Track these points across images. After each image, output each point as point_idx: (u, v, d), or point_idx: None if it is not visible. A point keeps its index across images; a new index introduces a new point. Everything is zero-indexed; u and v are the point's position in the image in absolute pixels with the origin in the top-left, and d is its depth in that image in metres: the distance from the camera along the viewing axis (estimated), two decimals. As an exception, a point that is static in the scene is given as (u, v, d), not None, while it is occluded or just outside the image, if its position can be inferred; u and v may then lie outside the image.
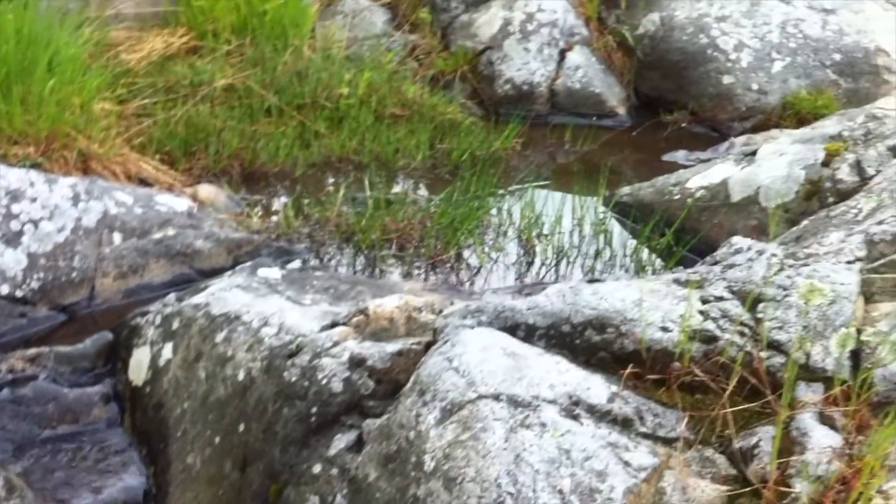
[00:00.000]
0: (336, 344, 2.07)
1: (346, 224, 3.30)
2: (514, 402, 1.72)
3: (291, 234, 3.24)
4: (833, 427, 1.78)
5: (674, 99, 4.71)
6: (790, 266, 2.11)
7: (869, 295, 2.05)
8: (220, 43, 4.40)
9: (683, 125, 4.61)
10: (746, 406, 1.85)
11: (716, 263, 2.34)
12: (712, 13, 4.76)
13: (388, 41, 4.99)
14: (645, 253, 3.29)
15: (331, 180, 3.78)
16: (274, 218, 3.39)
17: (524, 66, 4.67)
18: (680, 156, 4.26)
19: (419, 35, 5.04)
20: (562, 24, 4.83)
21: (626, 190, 3.67)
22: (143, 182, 3.28)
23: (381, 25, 5.14)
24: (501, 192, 3.74)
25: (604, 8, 5.06)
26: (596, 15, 5.03)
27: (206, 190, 3.33)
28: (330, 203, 3.44)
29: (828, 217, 2.57)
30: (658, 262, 3.23)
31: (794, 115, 4.45)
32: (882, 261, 2.14)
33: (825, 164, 3.09)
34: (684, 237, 3.25)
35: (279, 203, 3.57)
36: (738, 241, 2.45)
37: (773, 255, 2.13)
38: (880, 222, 2.29)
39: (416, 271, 3.11)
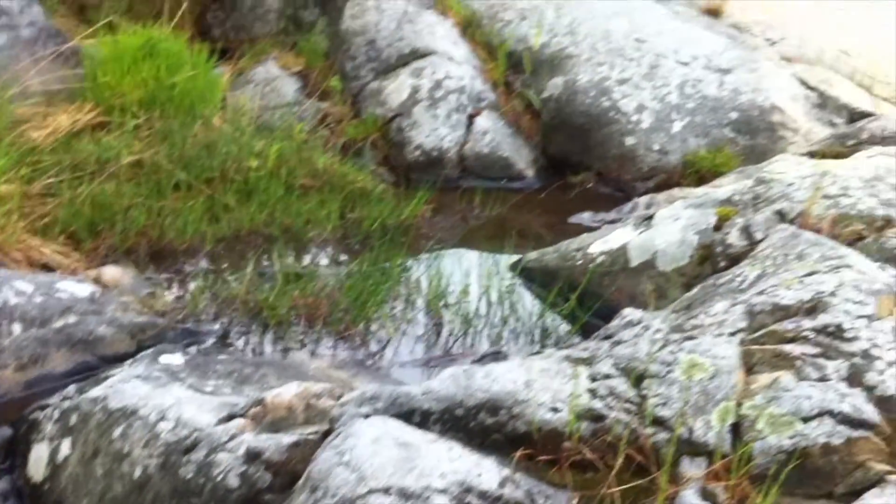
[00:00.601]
0: (233, 437, 2.07)
1: (254, 301, 3.30)
2: (405, 495, 1.75)
3: (198, 314, 3.23)
4: (714, 501, 1.85)
5: (580, 160, 4.83)
6: (674, 341, 2.18)
7: (750, 366, 2.13)
8: (128, 118, 4.38)
9: (590, 185, 4.73)
10: (634, 483, 1.91)
11: (607, 338, 2.41)
12: (613, 76, 4.92)
13: (299, 109, 5.04)
14: (550, 319, 3.35)
15: (240, 255, 3.77)
16: (180, 298, 3.37)
17: (433, 132, 4.75)
18: (586, 217, 4.37)
19: (330, 103, 5.10)
20: (469, 89, 4.94)
21: (532, 255, 3.74)
22: (46, 267, 3.25)
23: (292, 94, 5.20)
24: (411, 260, 3.78)
25: (510, 72, 5.18)
26: (503, 79, 5.16)
27: (111, 272, 3.30)
28: (238, 279, 3.45)
29: (715, 285, 2.66)
30: (562, 328, 3.30)
31: (695, 173, 4.60)
32: (762, 331, 2.23)
33: (717, 228, 3.20)
34: (588, 302, 3.33)
35: (186, 281, 3.56)
36: (630, 312, 2.53)
37: (658, 330, 2.21)
38: (761, 292, 2.38)
39: (324, 348, 3.13)
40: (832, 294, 2.27)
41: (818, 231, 2.94)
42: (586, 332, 3.21)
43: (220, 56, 5.70)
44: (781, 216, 3.05)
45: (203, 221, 3.87)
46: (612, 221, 4.29)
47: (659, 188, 4.54)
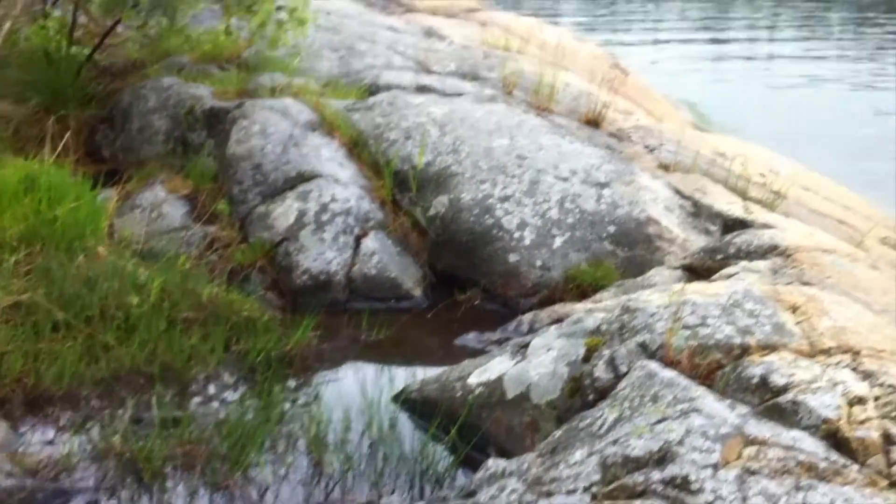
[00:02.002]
0: None
1: (129, 451, 3.25)
2: None
3: (71, 469, 3.16)
4: None
5: (467, 277, 4.92)
6: (528, 502, 2.23)
7: (602, 523, 2.20)
8: (8, 254, 4.32)
9: (476, 303, 4.82)
10: None
11: (470, 494, 2.45)
12: (496, 193, 5.06)
13: (186, 235, 5.04)
14: (432, 454, 3.38)
15: (119, 399, 3.72)
16: (54, 452, 3.30)
17: (320, 256, 4.80)
18: (471, 338, 4.44)
19: (218, 227, 5.12)
20: (356, 210, 5.01)
21: (414, 386, 3.79)
22: None
23: (179, 218, 5.20)
24: (294, 396, 3.78)
25: (397, 191, 5.29)
26: (390, 198, 5.26)
27: (-20, 430, 3.22)
28: (113, 428, 3.40)
29: (578, 428, 2.73)
30: (444, 464, 3.32)
31: (577, 287, 4.73)
32: (614, 485, 2.30)
33: (585, 359, 3.30)
34: (468, 435, 3.37)
35: (62, 432, 3.48)
36: (493, 464, 2.58)
37: (514, 490, 2.26)
38: (615, 441, 2.46)
39: (201, 502, 3.09)
40: (680, 443, 2.36)
41: (678, 363, 3.05)
42: (467, 465, 3.26)
43: (109, 177, 5.72)
44: (644, 348, 3.16)
45: (81, 363, 3.81)
46: (497, 341, 4.38)
47: (542, 304, 4.66)
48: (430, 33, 8.40)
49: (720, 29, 39.04)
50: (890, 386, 2.95)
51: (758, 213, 5.34)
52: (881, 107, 19.89)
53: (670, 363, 3.04)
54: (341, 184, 5.11)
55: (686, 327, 3.19)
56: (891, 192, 12.43)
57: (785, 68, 25.89)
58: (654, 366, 2.94)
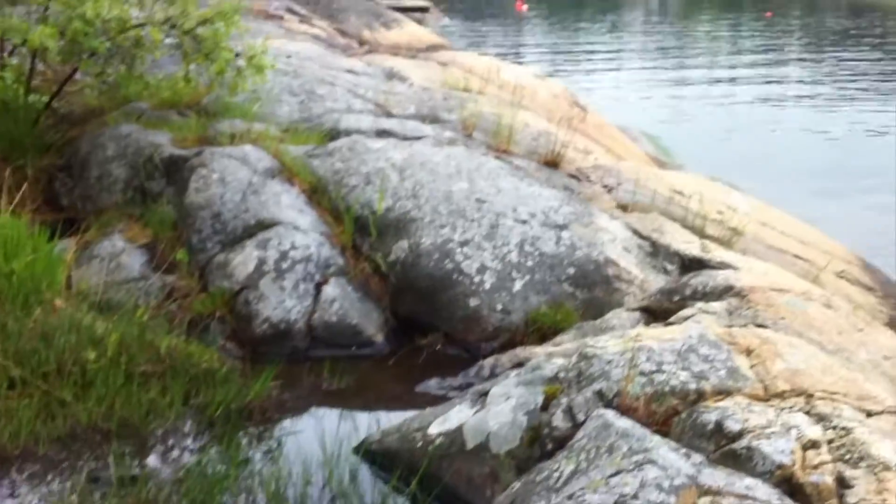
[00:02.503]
0: None
1: (86, 513, 3.21)
2: None
3: (26, 535, 3.11)
4: None
5: (428, 322, 4.93)
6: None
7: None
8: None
9: (438, 348, 4.82)
10: None
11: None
12: (455, 238, 5.09)
13: (145, 285, 5.01)
14: (392, 505, 3.37)
15: (76, 456, 3.67)
16: (8, 516, 3.25)
17: (280, 304, 4.79)
18: (433, 385, 4.44)
19: (177, 276, 5.09)
20: (316, 257, 5.01)
21: (374, 437, 3.78)
22: None
23: (138, 268, 5.16)
24: (254, 450, 3.75)
25: (358, 236, 5.30)
26: (351, 244, 5.26)
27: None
28: (70, 487, 3.35)
29: (535, 482, 2.74)
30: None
31: (537, 331, 4.75)
32: (570, 542, 2.31)
33: (544, 408, 3.31)
34: (429, 486, 3.36)
35: (16, 495, 3.43)
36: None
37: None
38: (571, 496, 2.47)
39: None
40: (635, 496, 2.37)
41: (634, 410, 3.08)
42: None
43: (67, 226, 5.68)
44: (601, 396, 3.18)
45: (38, 421, 3.76)
46: (459, 387, 4.38)
47: (504, 348, 4.67)
48: (390, 75, 8.46)
49: (683, 59, 39.60)
50: (843, 429, 2.99)
51: (715, 252, 5.40)
52: (835, 132, 20.27)
53: (627, 410, 3.07)
54: (301, 231, 5.11)
55: (642, 374, 3.22)
56: (847, 219, 12.64)
57: (745, 98, 26.31)
58: (610, 415, 2.96)
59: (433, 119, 6.98)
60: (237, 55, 6.11)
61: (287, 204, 5.27)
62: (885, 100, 25.77)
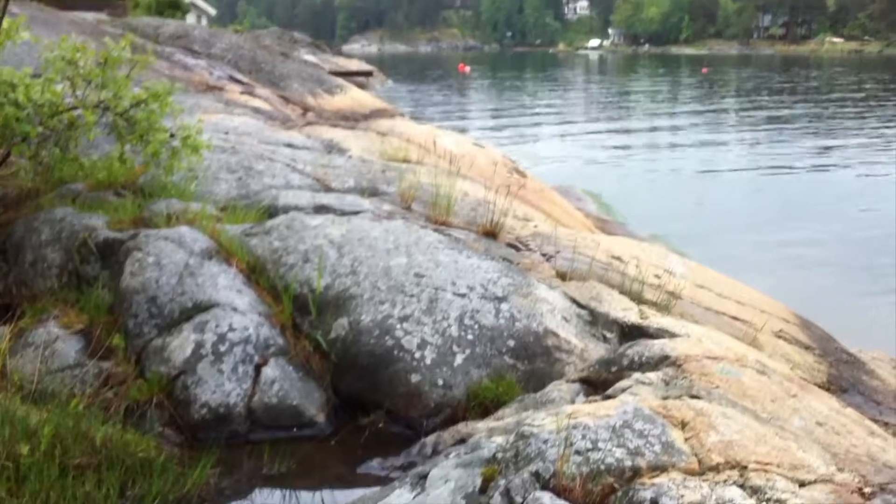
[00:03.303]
0: None
1: None
2: None
3: None
4: None
5: (370, 399, 4.90)
6: None
7: None
8: None
9: (381, 426, 4.78)
10: None
11: None
12: (395, 314, 5.09)
13: (81, 372, 4.92)
14: None
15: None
16: None
17: (219, 388, 4.73)
18: (375, 465, 4.40)
19: (114, 362, 5.00)
20: (255, 338, 4.97)
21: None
22: None
23: (73, 355, 5.07)
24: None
25: (297, 315, 5.27)
26: (290, 323, 5.24)
27: None
28: None
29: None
30: None
31: (479, 405, 4.75)
32: None
33: (482, 490, 3.30)
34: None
35: None
36: None
37: None
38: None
39: None
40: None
41: (571, 491, 3.08)
42: None
43: (2, 313, 5.57)
44: (538, 477, 3.18)
45: (-31, 521, 3.66)
46: (401, 467, 4.35)
47: (446, 423, 4.66)
48: (330, 147, 8.52)
49: (624, 115, 40.52)
50: (777, 501, 3.03)
51: (652, 318, 5.48)
52: (773, 183, 20.79)
53: (563, 491, 3.07)
54: (239, 312, 5.07)
55: (578, 452, 3.23)
56: (787, 272, 12.91)
57: (685, 151, 26.94)
58: (546, 498, 2.96)
59: (372, 192, 7.02)
60: (172, 135, 6.11)
61: (224, 285, 5.24)
62: (823, 150, 26.57)
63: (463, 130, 31.29)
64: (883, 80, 63.57)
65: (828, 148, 27.97)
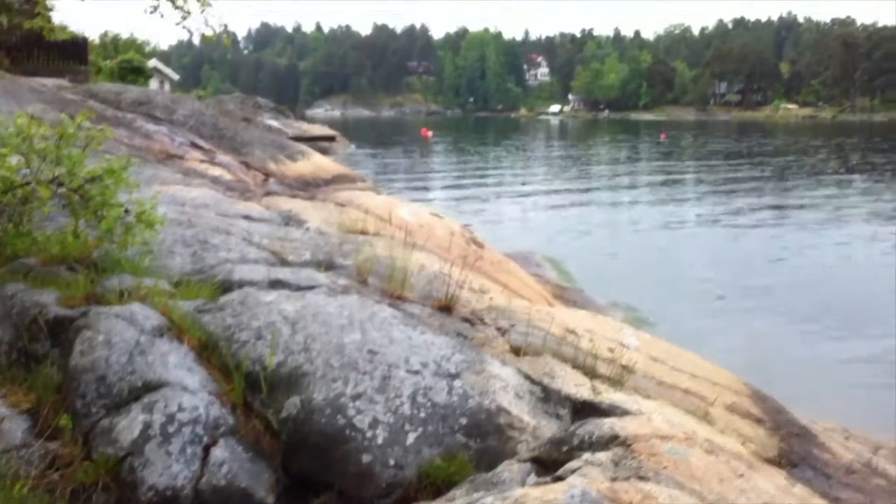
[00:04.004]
0: None
1: None
2: None
3: None
4: None
5: (322, 479, 4.85)
6: None
7: None
8: None
9: (332, 506, 4.74)
10: None
11: None
12: (348, 392, 5.07)
13: (27, 453, 4.83)
14: None
15: None
16: None
17: (166, 470, 4.65)
18: (325, 551, 4.35)
19: (60, 443, 4.91)
20: (204, 418, 4.92)
21: None
22: None
23: (20, 435, 4.97)
24: None
25: (249, 393, 5.23)
26: (241, 401, 5.19)
27: None
28: None
29: None
30: None
31: (431, 484, 4.72)
32: None
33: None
34: None
35: None
36: None
37: None
38: None
39: None
40: None
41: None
42: None
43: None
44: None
45: None
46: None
47: (397, 504, 4.63)
48: (288, 219, 8.54)
49: (585, 181, 41.02)
50: (721, 587, 3.04)
51: (605, 394, 5.52)
52: (732, 250, 21.10)
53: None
54: (189, 391, 5.03)
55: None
56: (742, 340, 13.04)
57: (645, 217, 27.30)
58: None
59: (329, 265, 7.03)
60: (127, 211, 6.11)
61: (175, 363, 5.19)
62: (778, 219, 27.05)
63: (424, 196, 31.53)
64: (835, 145, 65.18)
65: (782, 208, 28.54)
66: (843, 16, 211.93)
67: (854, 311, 15.14)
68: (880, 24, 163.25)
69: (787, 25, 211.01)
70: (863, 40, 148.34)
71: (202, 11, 5.82)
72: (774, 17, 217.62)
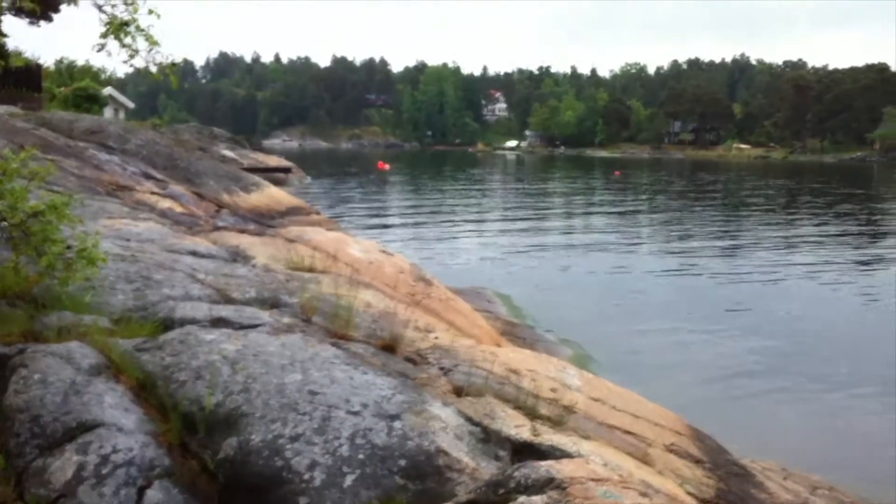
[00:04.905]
0: None
1: None
2: None
3: None
4: None
5: (259, 522, 4.81)
6: None
7: None
8: None
9: (269, 551, 4.70)
10: None
11: None
12: (286, 433, 5.05)
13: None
14: None
15: None
16: None
17: (99, 512, 4.60)
18: None
19: (-7, 485, 4.84)
20: (140, 460, 4.86)
21: None
22: None
23: (-49, 475, 4.89)
24: None
25: (186, 434, 5.18)
26: (178, 442, 5.14)
27: None
28: None
29: None
30: None
31: (368, 528, 4.71)
32: None
33: None
34: None
35: None
36: None
37: None
38: None
39: None
40: None
41: None
42: None
43: None
44: None
45: None
46: None
47: (335, 549, 4.60)
48: (235, 255, 8.51)
49: (540, 216, 41.34)
50: None
51: (545, 436, 5.55)
52: (688, 284, 21.36)
53: None
54: (125, 432, 4.97)
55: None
56: (686, 381, 13.19)
57: (599, 253, 27.57)
58: None
59: (274, 303, 7.02)
60: (69, 247, 6.06)
61: (111, 403, 5.14)
62: (729, 250, 27.47)
63: (379, 229, 31.54)
64: (785, 186, 66.46)
65: (734, 247, 28.97)
66: (794, 58, 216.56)
67: (802, 350, 15.39)
68: (831, 67, 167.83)
69: (741, 67, 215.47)
70: (814, 83, 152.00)
71: (150, 50, 5.82)
72: (728, 59, 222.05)
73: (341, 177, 66.73)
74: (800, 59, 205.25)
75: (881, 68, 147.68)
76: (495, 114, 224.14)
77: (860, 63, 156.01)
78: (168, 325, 6.18)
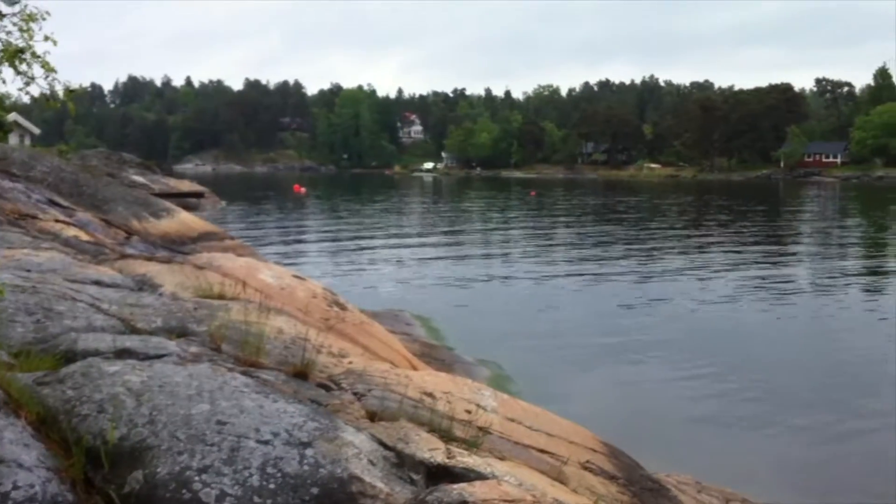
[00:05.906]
0: None
1: None
2: None
3: None
4: None
5: (165, 558, 4.68)
6: None
7: None
8: None
9: (175, 587, 4.57)
10: None
11: None
12: (194, 465, 4.92)
13: None
14: None
15: None
16: None
17: (-4, 555, 4.41)
18: None
19: None
20: (41, 497, 4.66)
21: None
22: None
23: None
24: None
25: (90, 468, 5.01)
26: (82, 477, 4.97)
27: None
28: None
29: None
30: None
31: (280, 559, 4.62)
32: None
33: None
34: None
35: None
36: None
37: None
38: None
39: None
40: None
41: None
42: None
43: None
44: None
45: None
46: None
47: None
48: (142, 283, 8.31)
49: (457, 237, 41.57)
50: None
51: (459, 458, 5.53)
52: (603, 304, 21.67)
53: None
54: (25, 468, 4.77)
55: None
56: (604, 397, 13.36)
57: (515, 272, 27.80)
58: None
59: (181, 332, 6.86)
60: (-37, 280, 5.83)
61: (10, 439, 4.93)
62: (643, 269, 27.98)
63: (295, 254, 31.25)
64: (693, 203, 68.22)
65: (646, 261, 29.54)
66: (701, 79, 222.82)
67: (716, 361, 15.71)
68: (737, 88, 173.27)
69: (650, 88, 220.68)
70: (720, 103, 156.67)
71: (47, 77, 5.64)
72: (638, 80, 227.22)
73: (257, 201, 66.05)
74: (706, 80, 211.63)
75: (784, 88, 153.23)
76: (411, 136, 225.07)
77: (764, 83, 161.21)
78: (70, 357, 5.98)
